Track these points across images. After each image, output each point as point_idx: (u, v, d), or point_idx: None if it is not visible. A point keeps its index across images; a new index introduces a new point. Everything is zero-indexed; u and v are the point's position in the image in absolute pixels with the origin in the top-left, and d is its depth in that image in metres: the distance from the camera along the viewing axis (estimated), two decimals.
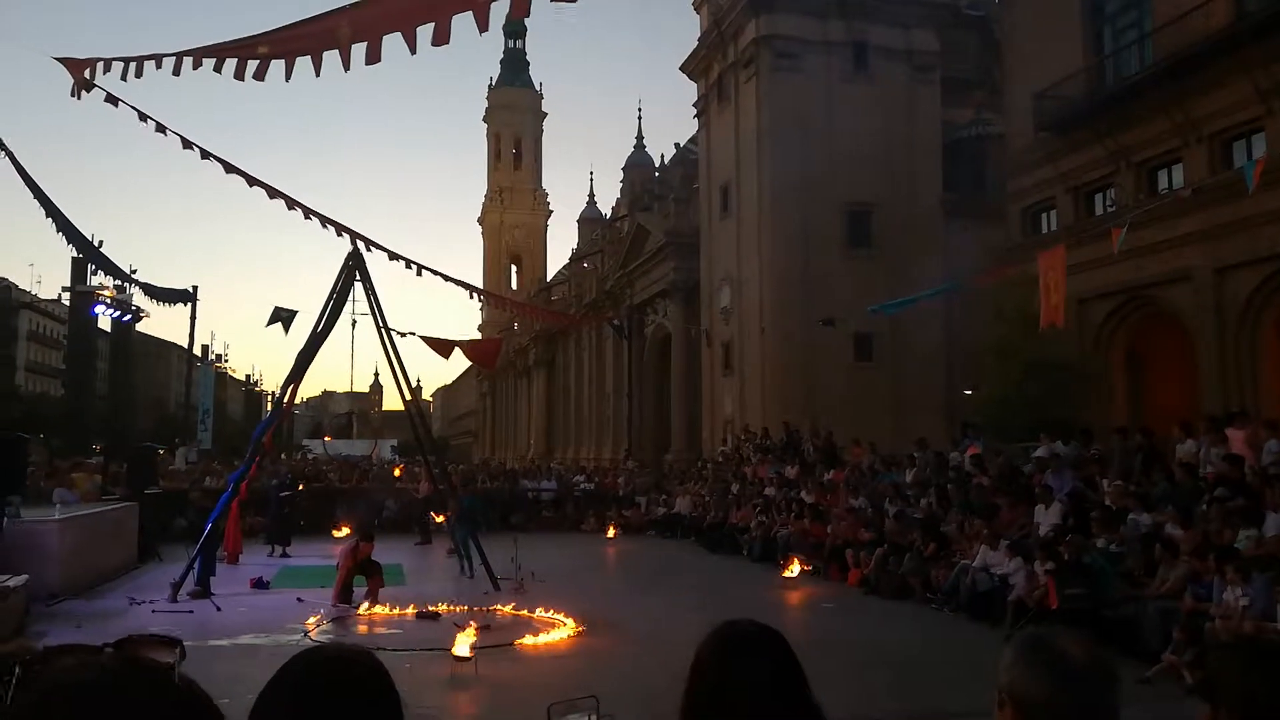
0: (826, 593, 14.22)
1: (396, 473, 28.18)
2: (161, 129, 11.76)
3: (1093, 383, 21.71)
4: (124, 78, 8.33)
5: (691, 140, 40.43)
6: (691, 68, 35.89)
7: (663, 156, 44.44)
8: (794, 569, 15.39)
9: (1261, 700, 1.93)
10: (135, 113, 11.23)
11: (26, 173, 13.06)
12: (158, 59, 8.17)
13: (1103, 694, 1.75)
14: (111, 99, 10.28)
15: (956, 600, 12.26)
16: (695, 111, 36.40)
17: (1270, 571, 8.67)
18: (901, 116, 30.10)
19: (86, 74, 8.96)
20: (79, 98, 8.95)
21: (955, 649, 9.86)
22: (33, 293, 71.09)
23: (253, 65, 7.56)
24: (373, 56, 6.65)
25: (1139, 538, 10.57)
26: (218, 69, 7.97)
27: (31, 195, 13.37)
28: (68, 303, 30.09)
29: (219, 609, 11.83)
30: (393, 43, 6.53)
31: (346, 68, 6.66)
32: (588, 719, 1.76)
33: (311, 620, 10.88)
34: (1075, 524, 11.71)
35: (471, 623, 9.75)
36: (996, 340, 22.89)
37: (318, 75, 7.39)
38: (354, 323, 14.76)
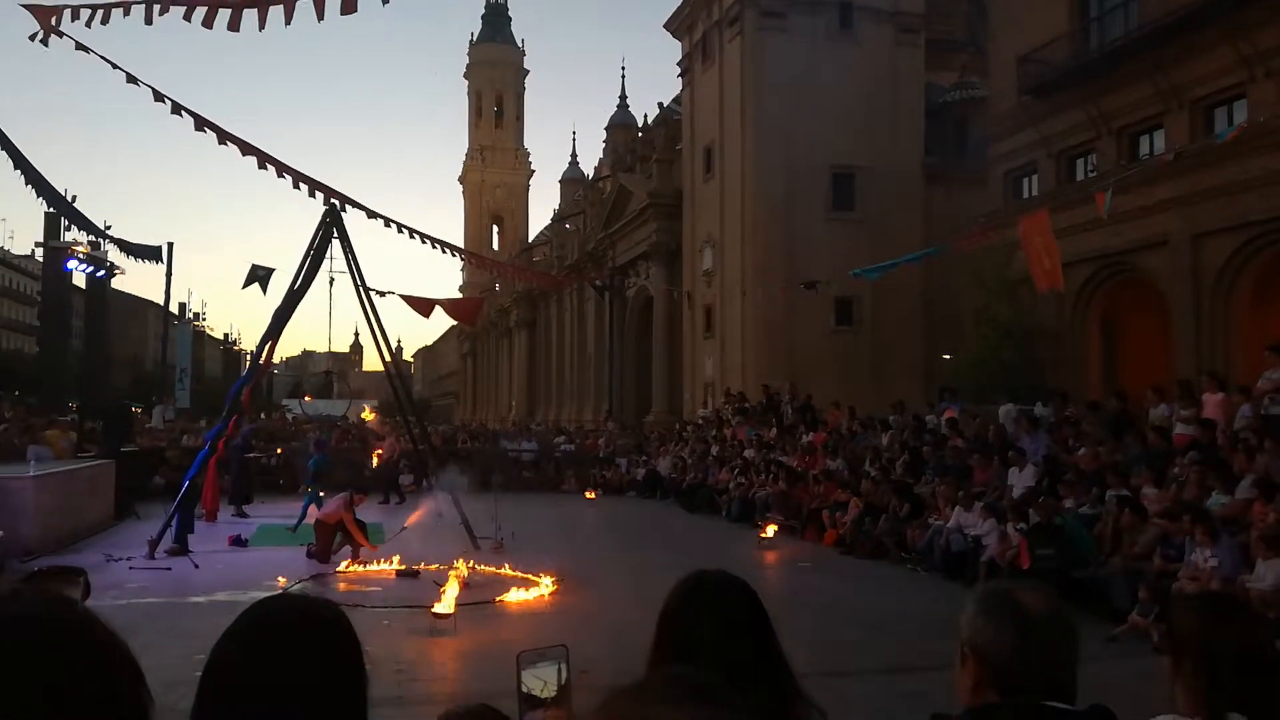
0: (803, 553, 14.38)
1: (368, 415, 28.19)
2: (133, 80, 11.53)
3: (1068, 348, 21.92)
4: (89, 24, 8.16)
5: (675, 100, 40.08)
6: (676, 25, 35.48)
7: (646, 116, 44.05)
8: (771, 530, 15.54)
9: (1220, 651, 1.98)
10: (106, 63, 11.01)
11: None
12: (126, 6, 8.00)
13: (1062, 646, 1.78)
14: (81, 47, 10.07)
15: (931, 560, 12.45)
16: (679, 71, 36.05)
17: (1240, 535, 8.85)
18: (886, 79, 29.95)
19: (54, 20, 8.76)
20: (46, 43, 8.75)
21: (928, 607, 10.02)
22: (5, 248, 70.06)
23: (224, 14, 7.42)
24: (349, 6, 6.54)
25: (1113, 500, 10.73)
26: (187, 17, 7.82)
27: None
28: (41, 259, 29.63)
29: (197, 566, 11.82)
30: None
31: (320, 17, 6.55)
32: (557, 666, 1.77)
33: (282, 579, 10.88)
34: (1049, 486, 11.88)
35: (451, 574, 9.82)
36: (975, 305, 23.04)
37: (288, 24, 7.27)
38: (331, 281, 14.60)
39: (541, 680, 1.78)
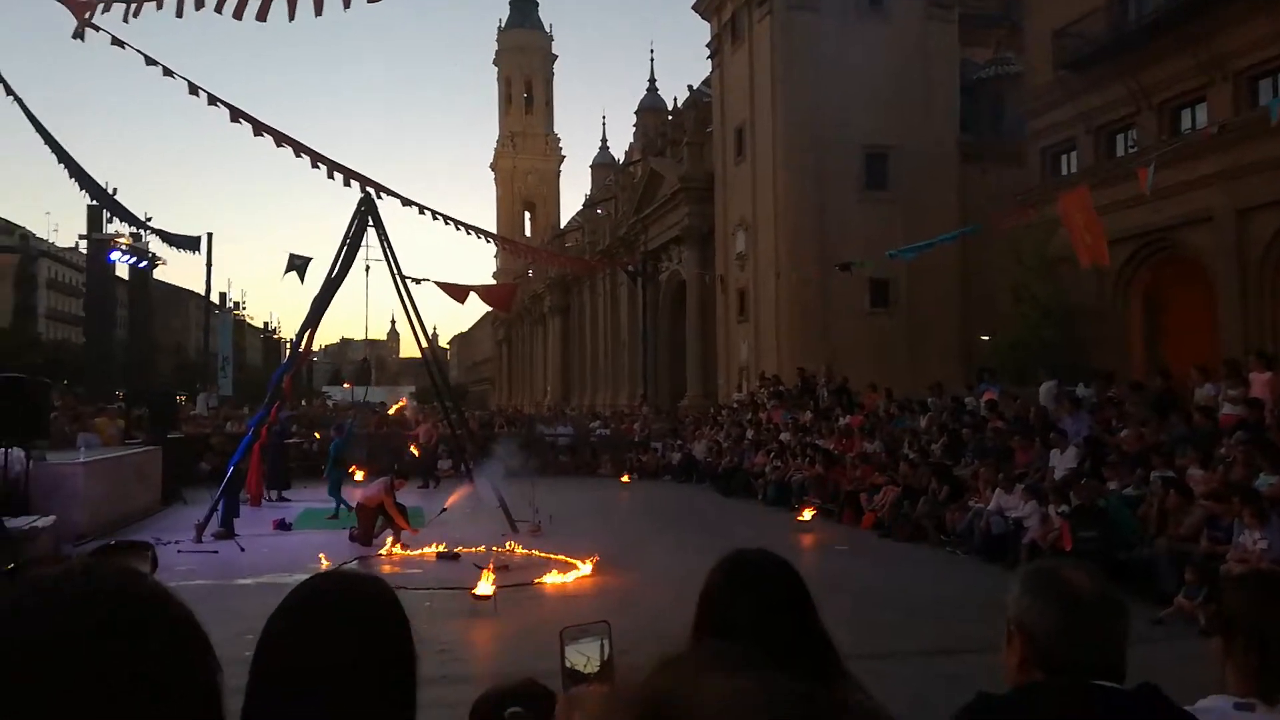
0: (840, 536, 14.33)
1: (392, 411, 28.37)
2: (169, 73, 11.68)
3: (1110, 327, 21.56)
4: (125, 19, 8.29)
5: (705, 82, 39.84)
6: (705, 7, 35.22)
7: (676, 99, 43.81)
8: (808, 513, 15.51)
9: (1272, 630, 1.96)
10: (142, 57, 11.17)
11: (37, 119, 13.03)
12: (158, 0, 8.11)
13: (1109, 625, 1.77)
14: (117, 41, 10.21)
15: (970, 543, 12.36)
16: (709, 52, 35.81)
17: None
18: (918, 56, 29.54)
19: (87, 15, 8.90)
20: (83, 38, 8.90)
21: (967, 590, 9.96)
22: (50, 241, 71.47)
23: (254, 5, 7.51)
24: None
25: (1158, 482, 10.58)
26: (218, 9, 7.91)
27: (43, 141, 13.34)
28: (85, 250, 30.22)
29: (243, 549, 12.07)
30: None
31: (347, 4, 6.61)
32: (600, 642, 1.79)
33: (326, 561, 11.07)
34: (1091, 468, 11.74)
35: (491, 563, 9.94)
36: (1013, 285, 22.72)
37: (319, 14, 7.34)
38: (367, 268, 14.76)
39: (585, 656, 1.80)
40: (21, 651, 0.74)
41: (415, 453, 20.89)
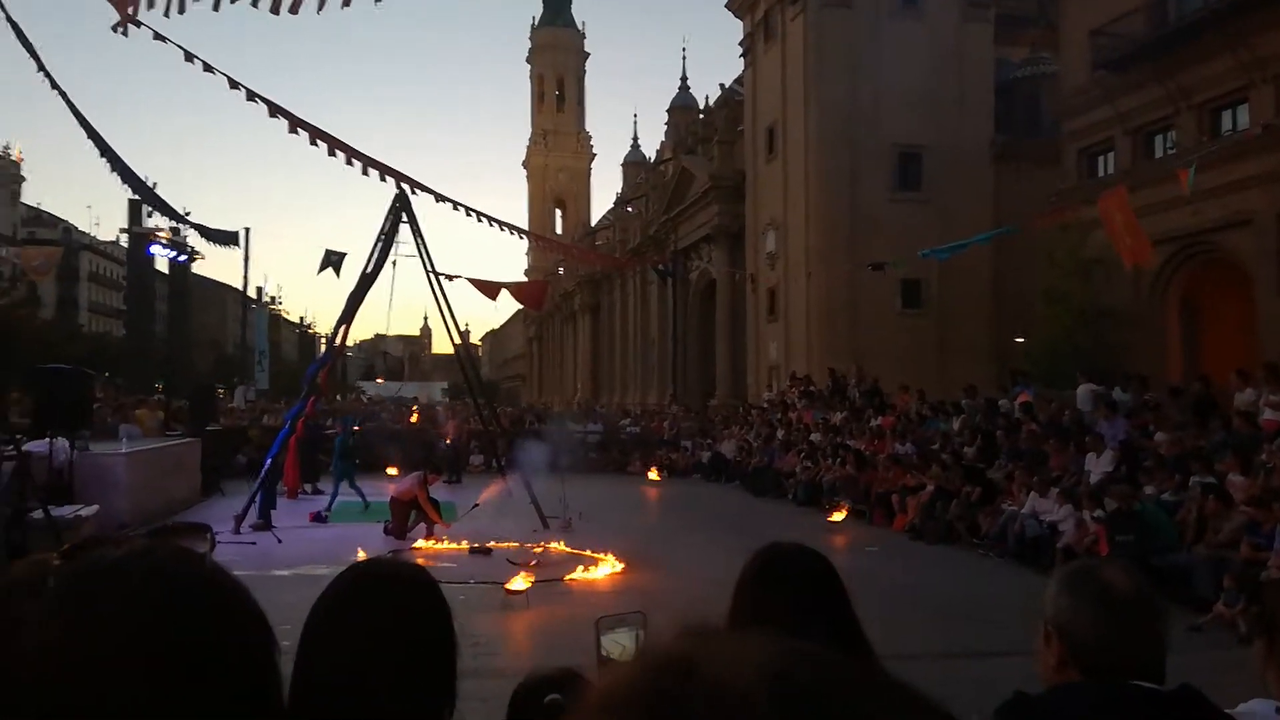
0: (871, 537, 14.28)
1: (413, 418, 28.38)
2: (209, 68, 11.88)
3: (1146, 331, 21.28)
4: (167, 13, 8.45)
5: (737, 81, 39.73)
6: (737, 5, 35.14)
7: (708, 98, 43.76)
8: (839, 514, 15.47)
9: None
10: (181, 51, 11.36)
11: (80, 113, 13.26)
12: None
13: (1147, 625, 1.76)
14: (159, 36, 10.40)
15: (1004, 546, 12.28)
16: (741, 51, 35.73)
17: None
18: (953, 55, 29.27)
19: (131, 10, 9.07)
20: (126, 34, 9.07)
21: (1001, 593, 9.91)
22: (91, 234, 72.76)
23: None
24: None
25: (1196, 487, 10.46)
26: (255, 3, 8.06)
27: (85, 135, 13.60)
28: (126, 244, 30.76)
29: (280, 541, 12.25)
30: None
31: None
32: (635, 632, 1.83)
33: (362, 554, 11.22)
34: (1127, 472, 11.62)
35: (525, 560, 10.04)
36: (1047, 287, 22.47)
37: (346, 4, 7.45)
38: (393, 263, 14.86)
39: (620, 645, 1.84)
40: (88, 631, 0.75)
41: (448, 441, 21.06)
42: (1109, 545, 10.06)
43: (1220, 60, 19.40)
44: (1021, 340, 25.18)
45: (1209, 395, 13.53)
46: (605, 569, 10.78)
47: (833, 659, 0.54)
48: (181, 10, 8.81)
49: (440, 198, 15.57)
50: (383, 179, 14.56)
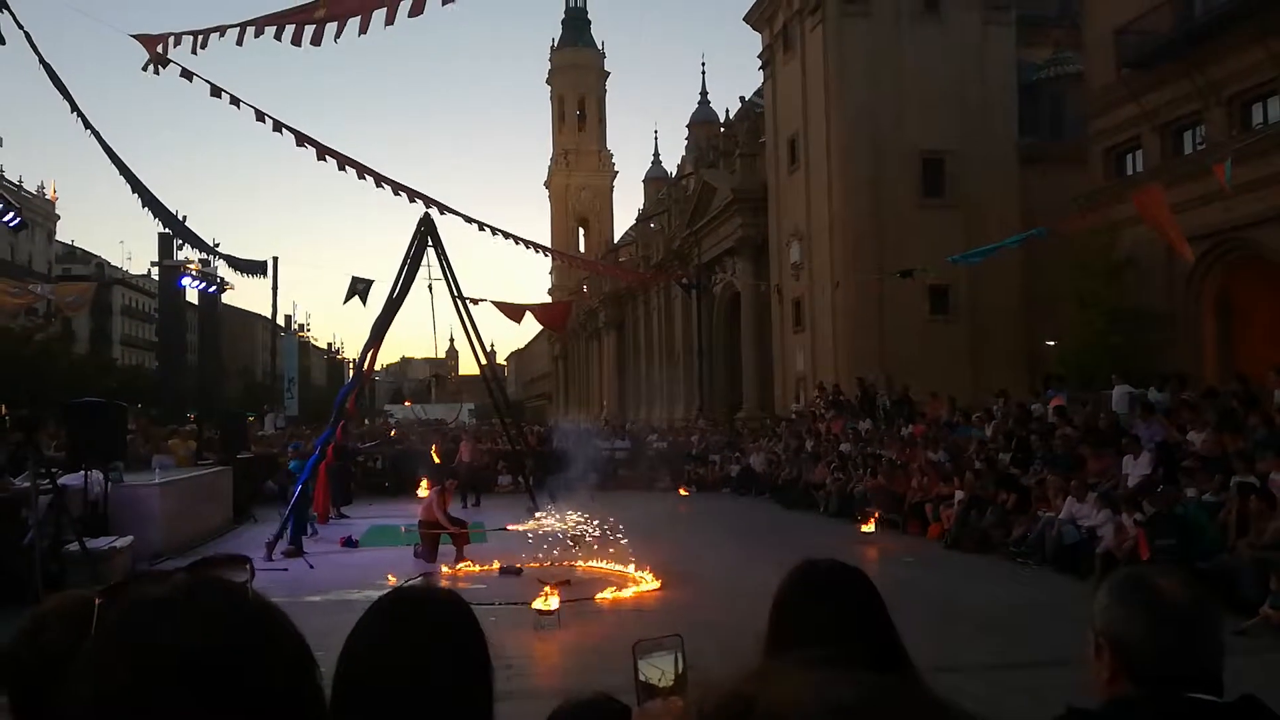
0: (906, 547, 14.10)
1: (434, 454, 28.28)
2: (235, 102, 12.03)
3: (1180, 331, 20.93)
4: (194, 50, 8.59)
5: (757, 93, 39.75)
6: (756, 18, 35.20)
7: (728, 111, 43.75)
8: (872, 525, 15.29)
9: None
10: (209, 86, 11.52)
11: (112, 150, 13.50)
12: (222, 30, 8.40)
13: (1203, 634, 1.71)
14: (186, 74, 10.55)
15: (1041, 553, 12.06)
16: (760, 63, 35.76)
17: None
18: (975, 58, 29.11)
19: (160, 49, 9.22)
20: (158, 73, 9.23)
21: (1040, 602, 9.73)
22: (124, 269, 74.03)
23: (309, 30, 7.75)
24: (416, 8, 6.77)
25: (1236, 487, 10.22)
26: (278, 36, 8.17)
27: (118, 172, 13.83)
28: (157, 277, 31.23)
29: (312, 566, 12.29)
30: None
31: (390, 20, 6.81)
32: (673, 656, 1.77)
33: (393, 578, 11.22)
34: (1165, 474, 11.38)
35: (555, 580, 9.97)
36: (1078, 289, 22.20)
37: (363, 32, 7.53)
38: (429, 286, 14.99)
39: (659, 669, 1.79)
40: (141, 668, 0.76)
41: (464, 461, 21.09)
42: (1149, 549, 9.84)
43: (1250, 53, 19.13)
44: (1053, 344, 24.87)
45: (1247, 394, 13.26)
46: (640, 586, 10.69)
47: (887, 685, 0.53)
48: (205, 46, 8.96)
49: (467, 219, 15.70)
50: (412, 200, 14.73)
